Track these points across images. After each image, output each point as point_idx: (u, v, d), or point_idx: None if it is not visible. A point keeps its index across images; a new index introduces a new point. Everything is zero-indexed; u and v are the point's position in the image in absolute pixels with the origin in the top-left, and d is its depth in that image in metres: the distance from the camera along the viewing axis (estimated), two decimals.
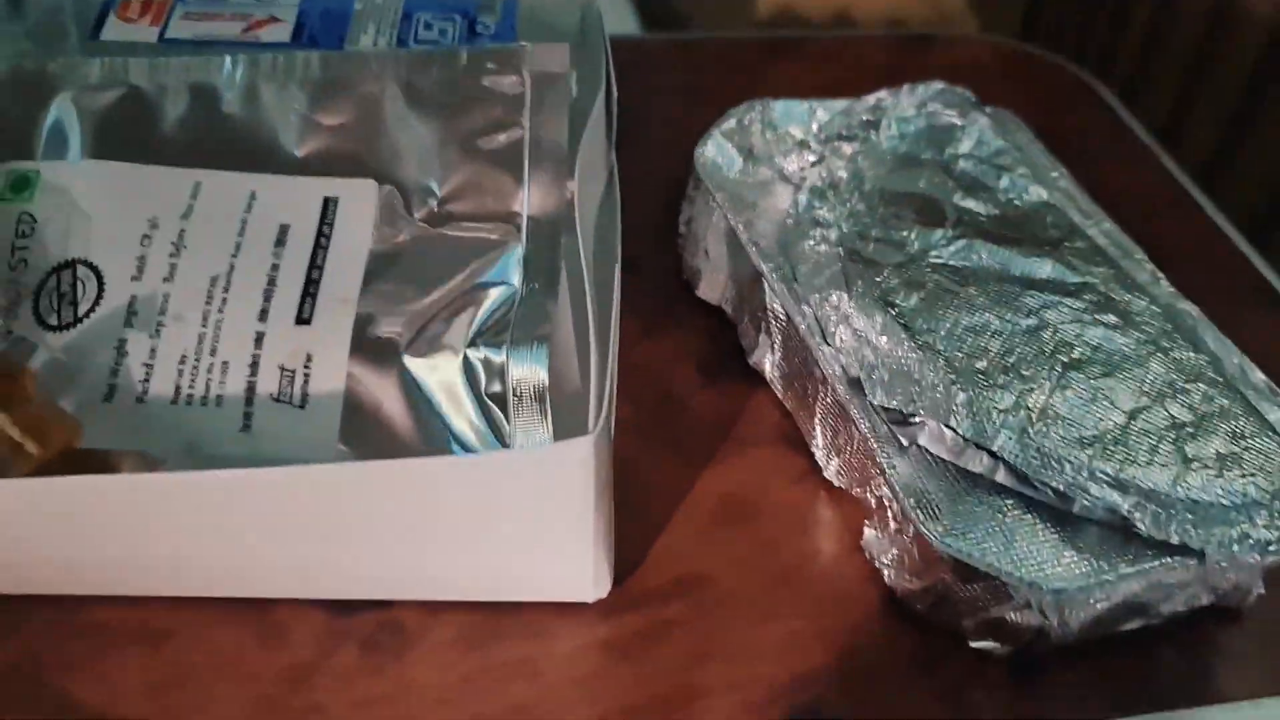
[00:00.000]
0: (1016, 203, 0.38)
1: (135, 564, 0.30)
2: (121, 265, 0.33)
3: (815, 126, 0.41)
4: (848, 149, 0.40)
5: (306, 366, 0.32)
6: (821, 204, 0.38)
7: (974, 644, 0.30)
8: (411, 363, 0.32)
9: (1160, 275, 0.36)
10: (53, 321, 0.32)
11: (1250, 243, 0.45)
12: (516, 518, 0.29)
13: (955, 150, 0.40)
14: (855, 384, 0.33)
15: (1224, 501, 0.30)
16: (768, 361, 0.37)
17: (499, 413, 0.32)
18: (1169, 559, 0.29)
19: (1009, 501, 0.30)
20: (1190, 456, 0.31)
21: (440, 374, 0.32)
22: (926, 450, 0.31)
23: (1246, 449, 0.31)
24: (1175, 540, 0.29)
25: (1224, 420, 0.31)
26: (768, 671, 0.30)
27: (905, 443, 0.31)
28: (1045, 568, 0.29)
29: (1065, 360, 0.32)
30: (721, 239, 0.38)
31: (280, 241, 0.34)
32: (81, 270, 0.33)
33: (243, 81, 0.36)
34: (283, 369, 0.32)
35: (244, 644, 0.30)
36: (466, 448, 0.32)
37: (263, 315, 0.33)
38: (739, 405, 0.37)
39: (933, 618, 0.31)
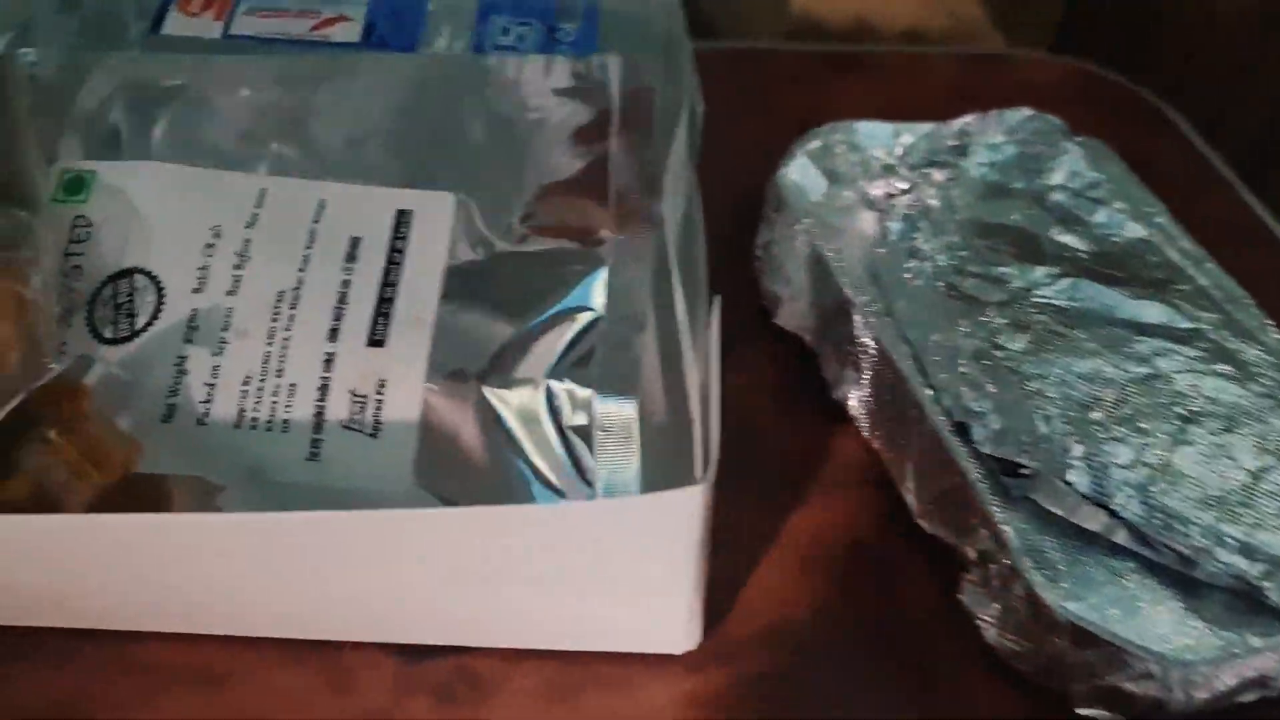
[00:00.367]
0: (1114, 239, 0.37)
1: (194, 601, 0.28)
2: (182, 275, 0.31)
3: (900, 150, 0.39)
4: (938, 176, 0.38)
5: (379, 392, 0.30)
6: (915, 234, 0.36)
7: (1081, 711, 0.29)
8: (490, 391, 0.30)
9: (1269, 322, 0.34)
10: (109, 334, 0.30)
11: None
12: (612, 565, 0.27)
13: (1047, 181, 0.39)
14: (959, 428, 0.31)
15: None
16: (853, 396, 0.35)
17: (583, 447, 0.30)
18: None
19: (1129, 564, 0.29)
20: None
21: (520, 404, 0.30)
22: (1037, 504, 0.30)
23: None
24: None
25: None
26: None
27: (1016, 496, 0.30)
28: (1172, 638, 0.27)
29: (1183, 413, 0.31)
30: (804, 265, 0.37)
31: (351, 256, 0.32)
32: (140, 279, 0.31)
33: (310, 83, 0.34)
34: (354, 394, 0.30)
35: (308, 691, 0.28)
36: (547, 484, 0.30)
37: (333, 335, 0.31)
38: (821, 441, 0.36)
39: (1036, 680, 0.29)
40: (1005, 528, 0.29)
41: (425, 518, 0.26)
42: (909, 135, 0.40)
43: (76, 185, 0.32)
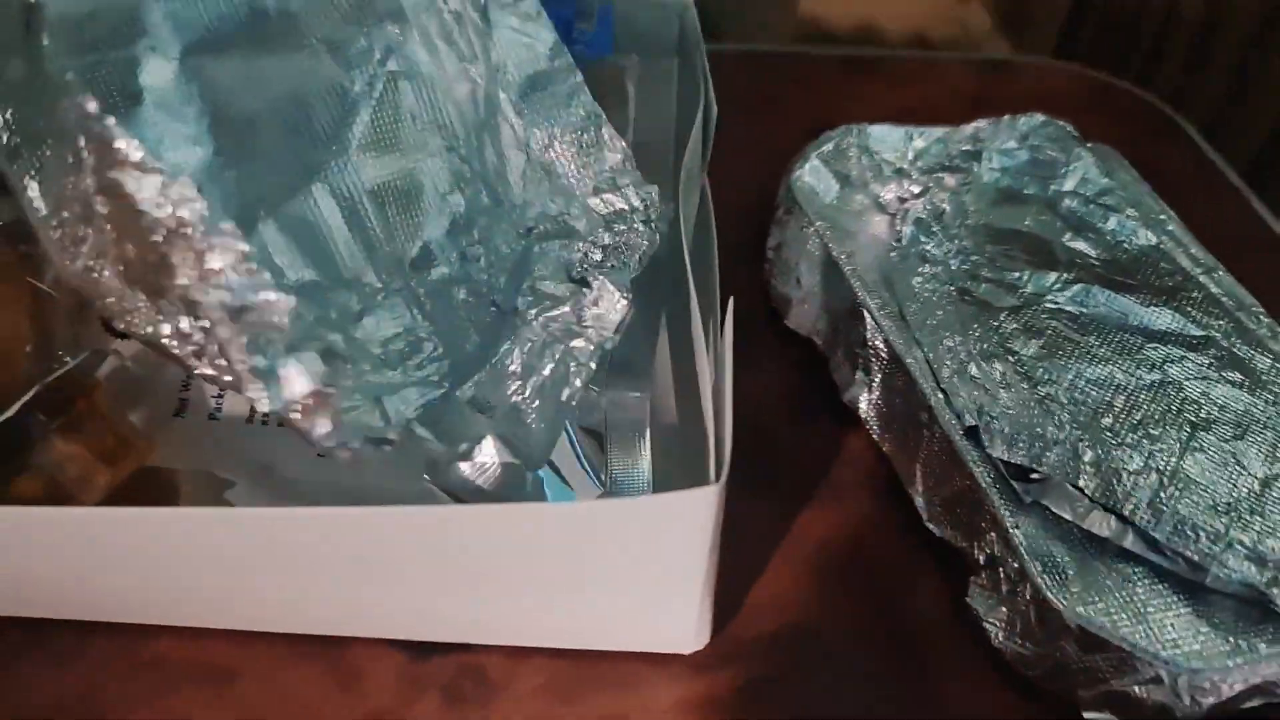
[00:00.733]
0: (1126, 246, 0.37)
1: (203, 596, 0.28)
2: None
3: (912, 154, 0.39)
4: (950, 180, 0.38)
5: None
6: (928, 238, 0.36)
7: (1088, 715, 0.29)
8: None
9: (1279, 330, 0.34)
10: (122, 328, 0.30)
11: None
12: (622, 565, 0.27)
13: (1060, 187, 0.39)
14: (970, 432, 0.31)
15: None
16: (864, 400, 0.35)
17: (594, 446, 0.30)
18: None
19: (1138, 569, 0.28)
20: None
21: None
22: (1048, 509, 0.30)
23: None
24: None
25: None
26: None
27: (1026, 500, 0.29)
28: (1181, 644, 0.27)
29: (1193, 420, 0.31)
30: (816, 267, 0.37)
31: None
32: None
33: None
34: None
35: (316, 687, 0.28)
36: (559, 482, 0.30)
37: None
38: (831, 444, 0.35)
39: (1043, 684, 0.29)
40: (1015, 531, 0.29)
41: (436, 515, 0.26)
42: (921, 139, 0.40)
43: None
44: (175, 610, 0.29)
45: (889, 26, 0.73)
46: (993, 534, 0.30)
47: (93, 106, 0.23)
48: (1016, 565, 0.29)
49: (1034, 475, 0.30)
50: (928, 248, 0.35)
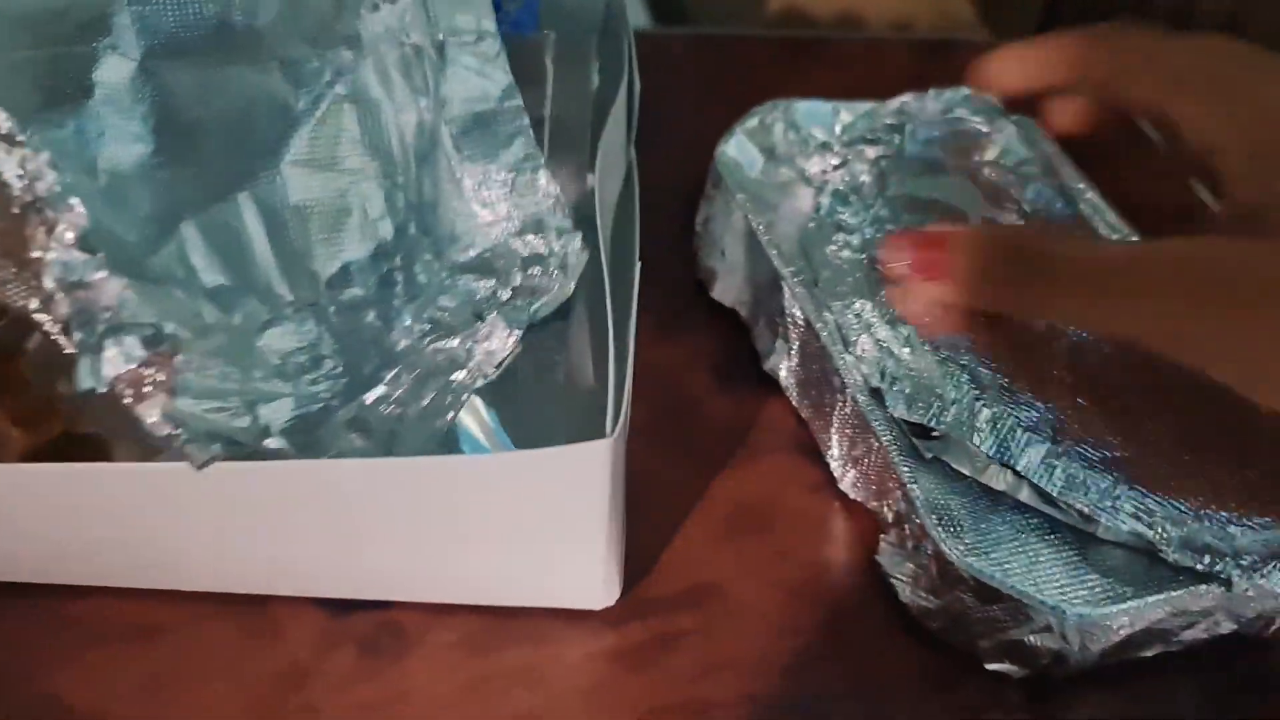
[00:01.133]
0: (1043, 214, 0.38)
1: (125, 556, 0.29)
2: None
3: (838, 128, 0.40)
4: (871, 153, 0.39)
5: None
6: (844, 208, 0.37)
7: (989, 666, 0.30)
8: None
9: None
10: None
11: None
12: (527, 519, 0.28)
13: (981, 158, 0.39)
14: (876, 394, 0.32)
15: (1252, 528, 0.29)
16: (784, 367, 0.36)
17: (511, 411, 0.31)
18: (1195, 586, 0.28)
19: (1033, 521, 0.29)
20: (1218, 482, 0.30)
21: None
22: (948, 465, 0.30)
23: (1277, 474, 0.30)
24: (1202, 567, 0.28)
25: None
26: (778, 686, 0.30)
27: (927, 456, 0.30)
28: (1068, 591, 0.28)
29: (1091, 379, 0.32)
30: (740, 240, 0.38)
31: None
32: None
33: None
34: None
35: (238, 642, 0.29)
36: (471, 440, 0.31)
37: None
38: (752, 411, 0.36)
39: (947, 637, 0.30)
40: (913, 486, 0.30)
41: (347, 468, 0.27)
42: (848, 114, 0.40)
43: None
44: (98, 571, 0.30)
45: (869, 15, 0.73)
46: (898, 492, 0.31)
47: None
48: (918, 521, 0.30)
49: (934, 434, 0.31)
50: (844, 217, 0.36)
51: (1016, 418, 0.30)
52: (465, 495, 0.27)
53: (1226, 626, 0.30)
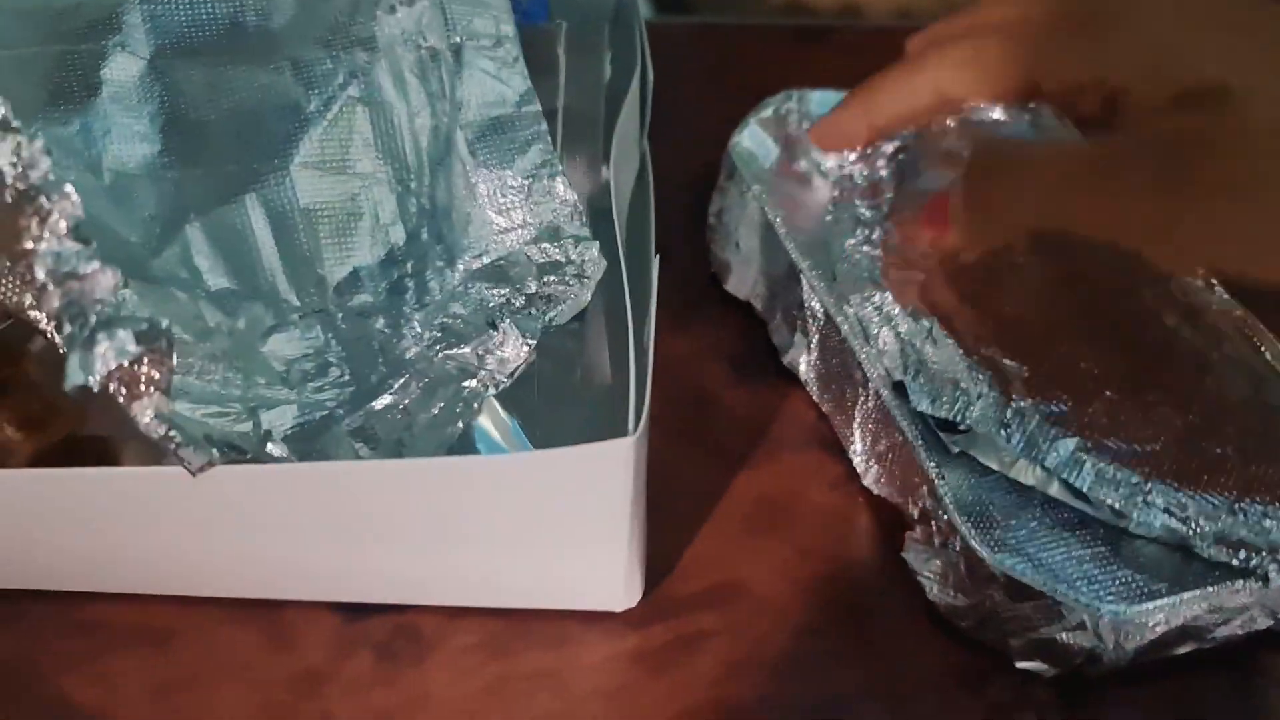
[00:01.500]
0: None
1: (138, 560, 0.29)
2: None
3: None
4: (888, 146, 0.38)
5: None
6: (862, 201, 0.36)
7: (1019, 664, 0.29)
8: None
9: (1214, 282, 0.35)
10: None
11: None
12: (547, 521, 0.27)
13: None
14: (899, 388, 0.31)
15: None
16: (803, 361, 0.35)
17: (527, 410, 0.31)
18: (1231, 582, 0.28)
19: (1064, 516, 0.29)
20: (1252, 476, 0.29)
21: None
22: (975, 460, 0.30)
23: None
24: (1238, 563, 0.28)
25: None
26: (804, 687, 0.29)
27: (954, 451, 0.30)
28: (1102, 588, 0.27)
29: (1121, 371, 0.31)
30: (755, 232, 0.37)
31: None
32: None
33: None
34: None
35: (252, 647, 0.29)
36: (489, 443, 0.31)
37: None
38: (772, 405, 0.36)
39: (976, 635, 0.30)
40: (941, 483, 0.29)
41: (365, 470, 0.26)
42: None
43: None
44: (109, 576, 0.29)
45: (873, 2, 0.73)
46: (924, 488, 0.30)
47: None
48: (946, 518, 0.29)
49: (961, 428, 0.30)
50: (861, 210, 0.36)
51: (1043, 412, 0.30)
52: (484, 497, 0.27)
53: (1263, 622, 0.29)
